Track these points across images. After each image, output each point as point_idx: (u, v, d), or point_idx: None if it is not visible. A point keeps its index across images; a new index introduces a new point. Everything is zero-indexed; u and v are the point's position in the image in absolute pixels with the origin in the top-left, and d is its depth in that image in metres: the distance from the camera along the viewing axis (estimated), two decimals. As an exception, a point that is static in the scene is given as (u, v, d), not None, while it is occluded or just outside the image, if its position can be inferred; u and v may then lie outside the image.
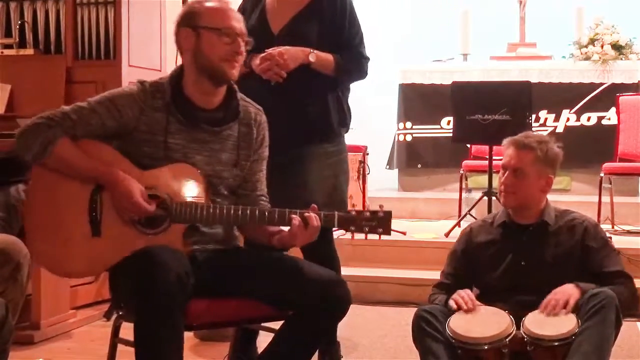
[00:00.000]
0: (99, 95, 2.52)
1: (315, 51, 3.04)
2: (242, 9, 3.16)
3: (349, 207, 2.43)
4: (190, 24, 2.49)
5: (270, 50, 2.99)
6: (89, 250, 2.42)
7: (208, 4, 2.51)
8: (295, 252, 2.78)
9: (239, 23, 2.51)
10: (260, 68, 3.00)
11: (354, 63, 3.15)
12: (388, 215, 2.41)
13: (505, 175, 2.83)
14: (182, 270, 2.25)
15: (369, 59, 3.20)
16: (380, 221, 2.41)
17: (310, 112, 3.11)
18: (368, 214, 2.41)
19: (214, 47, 2.47)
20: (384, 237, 2.42)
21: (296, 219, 2.38)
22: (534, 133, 2.94)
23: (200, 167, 2.49)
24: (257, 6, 3.17)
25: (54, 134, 2.41)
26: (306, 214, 2.39)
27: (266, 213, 2.42)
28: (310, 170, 3.12)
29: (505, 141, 2.89)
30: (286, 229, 2.44)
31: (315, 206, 2.42)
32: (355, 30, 3.17)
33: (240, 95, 2.61)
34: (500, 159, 5.50)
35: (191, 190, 2.45)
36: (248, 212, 2.42)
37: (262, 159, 2.67)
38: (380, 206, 2.43)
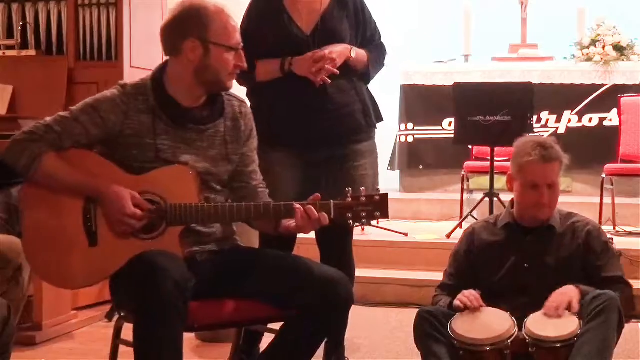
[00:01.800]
0: (81, 102, 2.49)
1: (354, 47, 3.08)
2: (247, 18, 3.13)
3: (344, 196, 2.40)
4: (199, 36, 2.45)
5: (317, 52, 2.99)
6: (88, 260, 2.41)
7: (213, 13, 2.45)
8: (314, 252, 2.81)
9: (239, 34, 2.50)
10: (313, 71, 2.99)
11: (380, 56, 3.21)
12: (384, 197, 2.38)
13: (544, 192, 2.77)
14: (180, 276, 2.24)
15: (387, 51, 3.26)
16: (376, 205, 2.38)
17: (354, 110, 3.12)
18: (364, 199, 2.38)
19: (223, 63, 2.46)
20: (385, 232, 2.41)
21: (299, 210, 2.37)
22: (545, 138, 2.90)
23: (190, 166, 2.48)
24: (270, 9, 3.10)
25: (38, 148, 2.38)
26: (307, 207, 2.37)
27: (261, 207, 2.41)
28: (355, 169, 3.11)
29: (530, 157, 2.78)
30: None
31: (319, 195, 2.41)
32: (374, 24, 3.22)
33: None
34: (502, 160, 5.49)
35: (184, 191, 2.43)
36: (243, 207, 2.41)
37: (252, 150, 2.66)
38: (377, 190, 2.43)
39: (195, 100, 2.53)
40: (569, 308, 2.60)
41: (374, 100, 3.21)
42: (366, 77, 3.18)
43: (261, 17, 3.10)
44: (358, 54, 3.09)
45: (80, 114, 2.45)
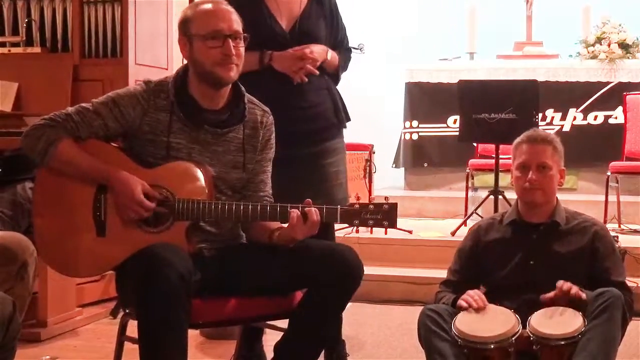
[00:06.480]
0: (104, 95, 2.52)
1: (329, 49, 3.12)
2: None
3: (354, 201, 2.40)
4: (185, 32, 2.49)
5: (299, 49, 3.01)
6: (94, 250, 2.43)
7: (199, 8, 2.49)
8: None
9: (227, 22, 2.46)
10: (294, 68, 3.01)
11: (347, 60, 3.28)
12: (393, 207, 2.37)
13: (531, 172, 2.81)
14: (184, 269, 2.25)
15: (351, 57, 3.34)
16: (385, 214, 2.36)
17: (326, 108, 3.15)
18: (372, 206, 2.37)
19: (204, 54, 2.45)
20: (390, 230, 2.39)
21: (294, 212, 2.38)
22: (538, 129, 2.95)
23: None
24: (248, 2, 3.04)
25: (56, 134, 2.42)
26: (306, 209, 2.38)
27: (268, 208, 2.42)
28: (329, 165, 3.14)
29: (519, 140, 2.88)
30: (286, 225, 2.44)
31: (310, 200, 2.41)
32: (344, 27, 3.27)
33: (248, 97, 2.60)
34: (506, 158, 5.50)
35: (194, 187, 2.44)
36: (250, 207, 2.42)
37: (266, 161, 2.66)
38: (386, 198, 2.41)
39: (214, 102, 2.53)
40: (575, 294, 2.60)
41: (343, 101, 3.26)
42: (335, 78, 3.23)
43: (239, 10, 3.07)
44: (332, 56, 3.15)
45: (101, 106, 2.48)
